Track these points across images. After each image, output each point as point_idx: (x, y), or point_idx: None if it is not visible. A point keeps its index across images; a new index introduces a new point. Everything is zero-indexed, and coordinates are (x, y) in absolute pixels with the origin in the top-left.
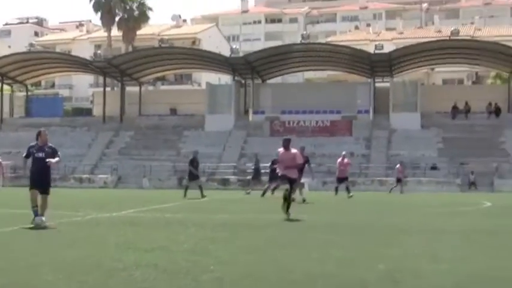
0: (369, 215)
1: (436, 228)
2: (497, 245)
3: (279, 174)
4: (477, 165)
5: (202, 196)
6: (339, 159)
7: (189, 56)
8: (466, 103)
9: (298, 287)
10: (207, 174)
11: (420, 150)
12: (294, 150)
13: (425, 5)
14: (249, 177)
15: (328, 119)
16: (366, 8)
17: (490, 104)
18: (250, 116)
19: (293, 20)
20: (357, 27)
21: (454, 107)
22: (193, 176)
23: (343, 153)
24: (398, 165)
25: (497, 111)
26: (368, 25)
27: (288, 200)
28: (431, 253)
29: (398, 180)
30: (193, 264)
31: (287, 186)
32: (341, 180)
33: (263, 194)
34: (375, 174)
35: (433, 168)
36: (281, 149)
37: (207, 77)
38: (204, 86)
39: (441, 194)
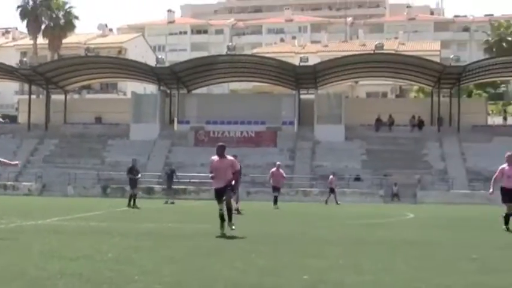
0: (295, 225)
1: (360, 239)
2: (420, 256)
3: (214, 189)
4: (400, 177)
5: (128, 205)
6: (273, 169)
7: (115, 65)
8: (390, 116)
9: None
10: None
11: (344, 162)
12: (229, 157)
13: (350, 19)
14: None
15: (252, 129)
16: (291, 20)
17: (413, 117)
18: (175, 126)
19: (219, 32)
20: (282, 40)
21: (378, 120)
22: (134, 184)
23: (278, 163)
24: (331, 176)
25: (420, 124)
26: (293, 38)
27: (223, 219)
28: (355, 264)
29: (332, 191)
30: (118, 274)
31: (222, 205)
32: (276, 189)
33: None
34: (299, 185)
35: (357, 179)
36: (215, 157)
37: (132, 87)
38: (129, 95)
39: (365, 205)
